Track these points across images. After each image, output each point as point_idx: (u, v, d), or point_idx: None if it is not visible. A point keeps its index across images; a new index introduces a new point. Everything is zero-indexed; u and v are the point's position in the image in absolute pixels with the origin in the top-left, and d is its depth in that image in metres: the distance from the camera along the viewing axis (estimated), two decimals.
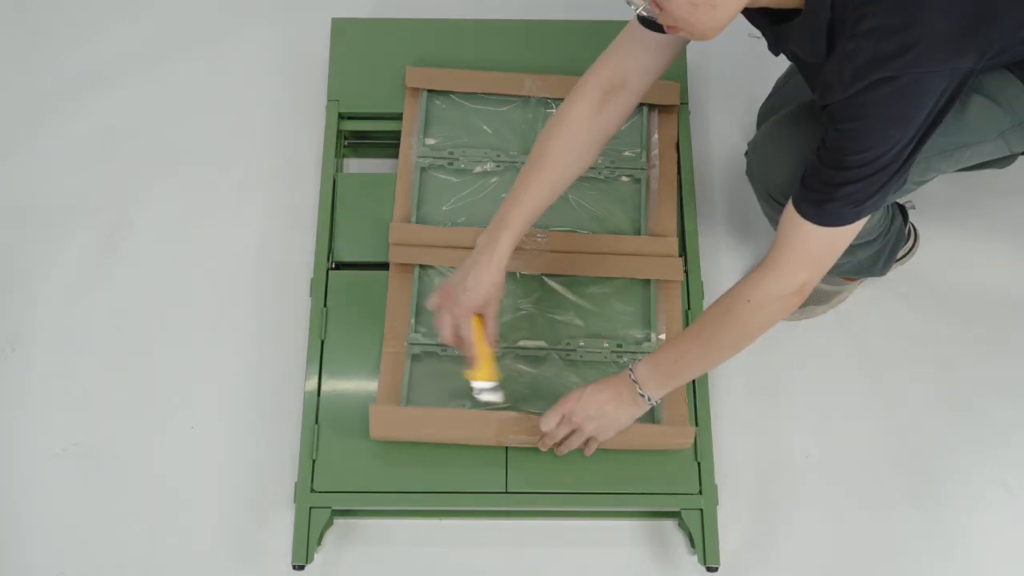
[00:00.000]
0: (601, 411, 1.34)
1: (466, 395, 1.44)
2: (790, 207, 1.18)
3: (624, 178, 1.61)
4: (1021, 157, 1.61)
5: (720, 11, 1.04)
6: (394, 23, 1.73)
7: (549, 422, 1.36)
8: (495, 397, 1.40)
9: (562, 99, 1.34)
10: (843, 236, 1.18)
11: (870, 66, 1.03)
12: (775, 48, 1.20)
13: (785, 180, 1.31)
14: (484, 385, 1.38)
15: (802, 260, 1.20)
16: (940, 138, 1.22)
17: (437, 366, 1.49)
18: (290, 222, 1.72)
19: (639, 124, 1.64)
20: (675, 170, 1.62)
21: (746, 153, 1.43)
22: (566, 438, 1.38)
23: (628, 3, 1.07)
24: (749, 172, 1.41)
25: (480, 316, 1.33)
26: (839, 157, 1.11)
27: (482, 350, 1.34)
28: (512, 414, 1.42)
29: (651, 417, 1.45)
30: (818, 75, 1.10)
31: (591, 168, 1.56)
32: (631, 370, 1.33)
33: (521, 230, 1.31)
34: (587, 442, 1.38)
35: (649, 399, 1.33)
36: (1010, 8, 1.08)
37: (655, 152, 1.62)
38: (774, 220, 1.41)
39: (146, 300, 1.68)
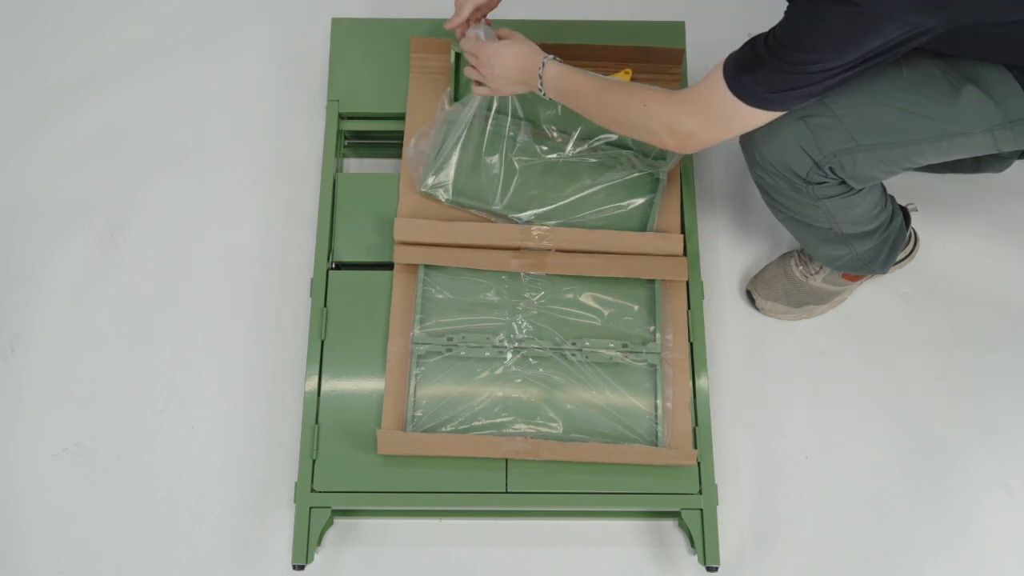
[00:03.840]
0: (504, 75, 1.43)
1: (471, 390, 1.46)
2: (722, 60, 1.23)
3: (638, 173, 1.60)
4: (1018, 161, 1.62)
5: None
6: (394, 23, 1.73)
7: (467, 43, 1.45)
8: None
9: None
10: (741, 116, 1.22)
11: None
12: None
13: (772, 149, 1.33)
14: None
15: (702, 110, 1.24)
16: (930, 122, 1.25)
17: (442, 364, 1.49)
18: (290, 222, 1.73)
19: None
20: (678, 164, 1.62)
21: None
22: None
23: None
24: (741, 140, 1.42)
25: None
26: (775, 44, 1.15)
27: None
28: (517, 438, 1.42)
29: (653, 438, 1.46)
30: None
31: (608, 156, 1.57)
32: (543, 65, 1.40)
33: None
34: (479, 84, 1.48)
35: (543, 93, 1.42)
36: None
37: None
38: (762, 187, 1.42)
39: (146, 300, 1.68)
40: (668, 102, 1.28)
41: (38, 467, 1.57)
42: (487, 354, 1.49)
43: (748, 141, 1.38)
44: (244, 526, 1.53)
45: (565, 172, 1.59)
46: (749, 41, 1.20)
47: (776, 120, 1.29)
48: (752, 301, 1.66)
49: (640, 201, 1.58)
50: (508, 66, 1.42)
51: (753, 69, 1.18)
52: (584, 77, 1.40)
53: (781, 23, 1.15)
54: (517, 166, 1.59)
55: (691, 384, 1.49)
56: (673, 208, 1.59)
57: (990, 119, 1.25)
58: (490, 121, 1.58)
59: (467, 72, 1.48)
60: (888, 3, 1.06)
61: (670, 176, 1.60)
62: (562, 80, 1.40)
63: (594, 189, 1.58)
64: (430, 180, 1.57)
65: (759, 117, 1.22)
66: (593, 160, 1.59)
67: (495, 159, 1.59)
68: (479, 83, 1.48)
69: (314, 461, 1.45)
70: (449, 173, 1.58)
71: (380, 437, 1.42)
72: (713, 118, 1.25)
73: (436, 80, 1.66)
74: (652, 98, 1.30)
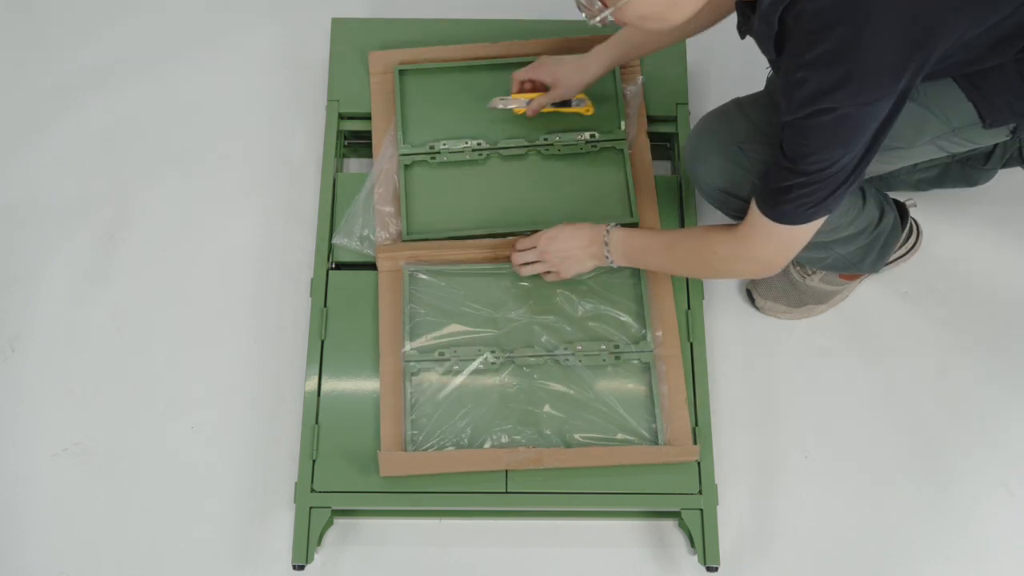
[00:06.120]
0: (569, 254, 1.46)
1: (467, 404, 1.46)
2: (753, 200, 1.25)
3: (605, 152, 1.61)
4: (1002, 171, 1.62)
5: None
6: (394, 23, 1.73)
7: (523, 246, 1.50)
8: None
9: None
10: (801, 232, 1.25)
11: (814, 97, 1.08)
12: (740, 31, 1.25)
13: (714, 175, 1.36)
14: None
15: (765, 244, 1.28)
16: None
17: (436, 379, 1.48)
18: (290, 222, 1.73)
19: (612, 91, 1.63)
20: (647, 145, 1.62)
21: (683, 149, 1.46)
22: (531, 263, 1.50)
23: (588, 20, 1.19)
24: (686, 169, 1.44)
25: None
26: (790, 165, 1.16)
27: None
28: (520, 449, 1.42)
29: (654, 437, 1.45)
30: (775, 68, 1.21)
31: (573, 144, 1.60)
32: (607, 232, 1.44)
33: (622, 56, 1.52)
34: (547, 273, 1.50)
35: (611, 262, 1.45)
36: (948, 25, 1.09)
37: (631, 121, 1.63)
38: (719, 209, 1.43)
39: (146, 300, 1.68)
40: (735, 244, 1.31)
41: (38, 467, 1.57)
42: (480, 365, 1.48)
43: (691, 172, 1.41)
44: (244, 526, 1.53)
45: (532, 175, 1.59)
46: (763, 175, 1.23)
47: (711, 149, 1.34)
48: (752, 300, 1.66)
49: (615, 185, 1.58)
50: (570, 246, 1.45)
51: (785, 196, 1.19)
52: (649, 235, 1.44)
53: (784, 144, 1.17)
54: (483, 183, 1.59)
55: (686, 380, 1.49)
56: (648, 194, 1.59)
57: (932, 131, 1.28)
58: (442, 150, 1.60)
59: (525, 270, 1.49)
60: (865, 91, 1.07)
61: (634, 150, 1.61)
62: (627, 244, 1.43)
63: (566, 185, 1.58)
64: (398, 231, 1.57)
65: (816, 224, 1.24)
66: (556, 154, 1.60)
67: (456, 184, 1.59)
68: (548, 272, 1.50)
69: (314, 461, 1.45)
70: (418, 214, 1.58)
71: (381, 459, 1.41)
72: (780, 245, 1.28)
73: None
74: (719, 244, 1.33)
